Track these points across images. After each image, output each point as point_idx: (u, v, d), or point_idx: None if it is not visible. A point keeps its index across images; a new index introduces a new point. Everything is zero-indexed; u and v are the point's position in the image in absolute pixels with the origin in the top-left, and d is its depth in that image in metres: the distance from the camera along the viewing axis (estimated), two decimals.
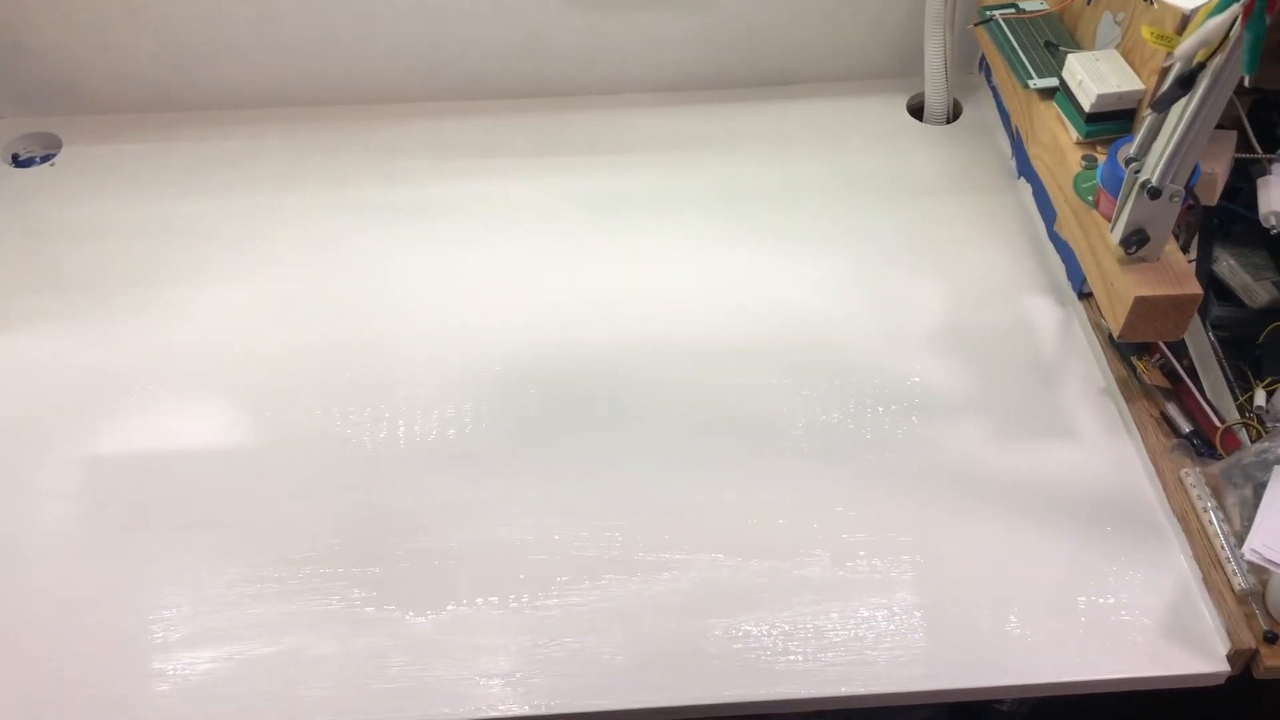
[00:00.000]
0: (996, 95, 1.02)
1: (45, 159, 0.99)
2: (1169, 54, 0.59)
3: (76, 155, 0.99)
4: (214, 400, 0.82)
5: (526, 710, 0.66)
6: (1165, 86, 0.59)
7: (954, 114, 1.03)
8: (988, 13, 0.88)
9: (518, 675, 0.66)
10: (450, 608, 0.69)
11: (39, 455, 0.78)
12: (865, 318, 0.87)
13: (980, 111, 1.03)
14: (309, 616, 0.69)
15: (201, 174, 0.98)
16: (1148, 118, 0.64)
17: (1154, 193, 0.65)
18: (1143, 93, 0.74)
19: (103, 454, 0.78)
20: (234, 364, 0.84)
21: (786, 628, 0.68)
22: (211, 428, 0.80)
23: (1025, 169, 0.95)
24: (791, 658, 0.67)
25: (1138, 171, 0.66)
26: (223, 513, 0.75)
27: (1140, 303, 0.68)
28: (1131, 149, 0.67)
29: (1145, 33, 0.69)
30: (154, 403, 0.81)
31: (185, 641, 0.68)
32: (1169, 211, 0.66)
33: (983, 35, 0.90)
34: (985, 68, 1.05)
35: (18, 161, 1.00)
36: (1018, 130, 0.89)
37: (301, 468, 0.77)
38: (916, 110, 1.03)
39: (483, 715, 0.65)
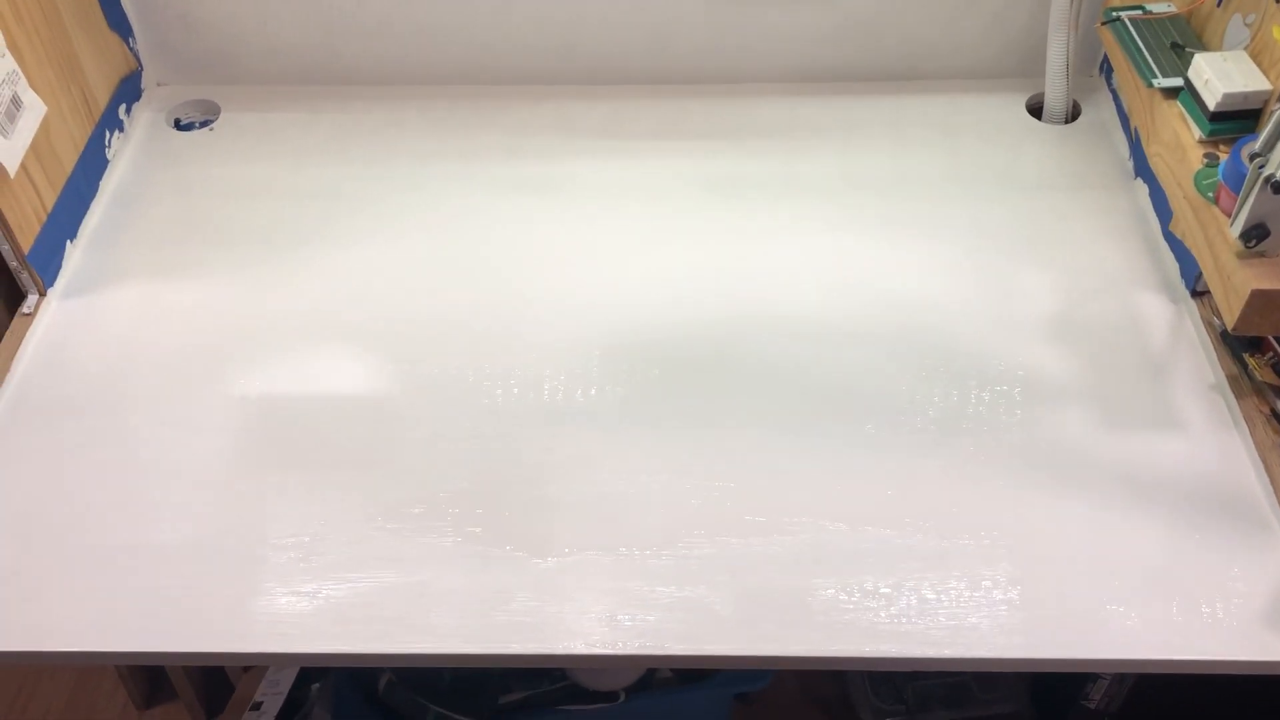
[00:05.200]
0: (1116, 98, 1.04)
1: (204, 124, 1.07)
2: None
3: (233, 122, 1.07)
4: (352, 351, 0.87)
5: (635, 650, 0.69)
6: None
7: (1073, 115, 1.04)
8: (1114, 13, 0.90)
9: (630, 617, 0.70)
10: (569, 552, 0.74)
11: (191, 391, 0.84)
12: (975, 304, 0.89)
13: (1099, 113, 1.05)
14: (441, 551, 0.74)
15: (345, 144, 1.04)
16: (1276, 113, 0.65)
17: (1277, 187, 0.66)
18: (1269, 93, 0.75)
19: (249, 394, 0.84)
20: (370, 318, 0.89)
21: (891, 592, 0.71)
22: (349, 376, 0.85)
23: (1143, 170, 0.96)
24: (895, 619, 0.70)
25: (1262, 166, 0.67)
26: (360, 455, 0.80)
27: (1257, 295, 0.70)
28: (1257, 144, 0.68)
29: (1276, 33, 0.70)
30: (297, 350, 0.87)
31: (326, 567, 0.73)
32: None
33: (1107, 35, 0.91)
34: (1106, 71, 1.07)
35: (179, 125, 1.07)
36: (1137, 131, 0.91)
37: (433, 418, 0.82)
38: (1035, 110, 1.05)
39: (595, 651, 0.69)
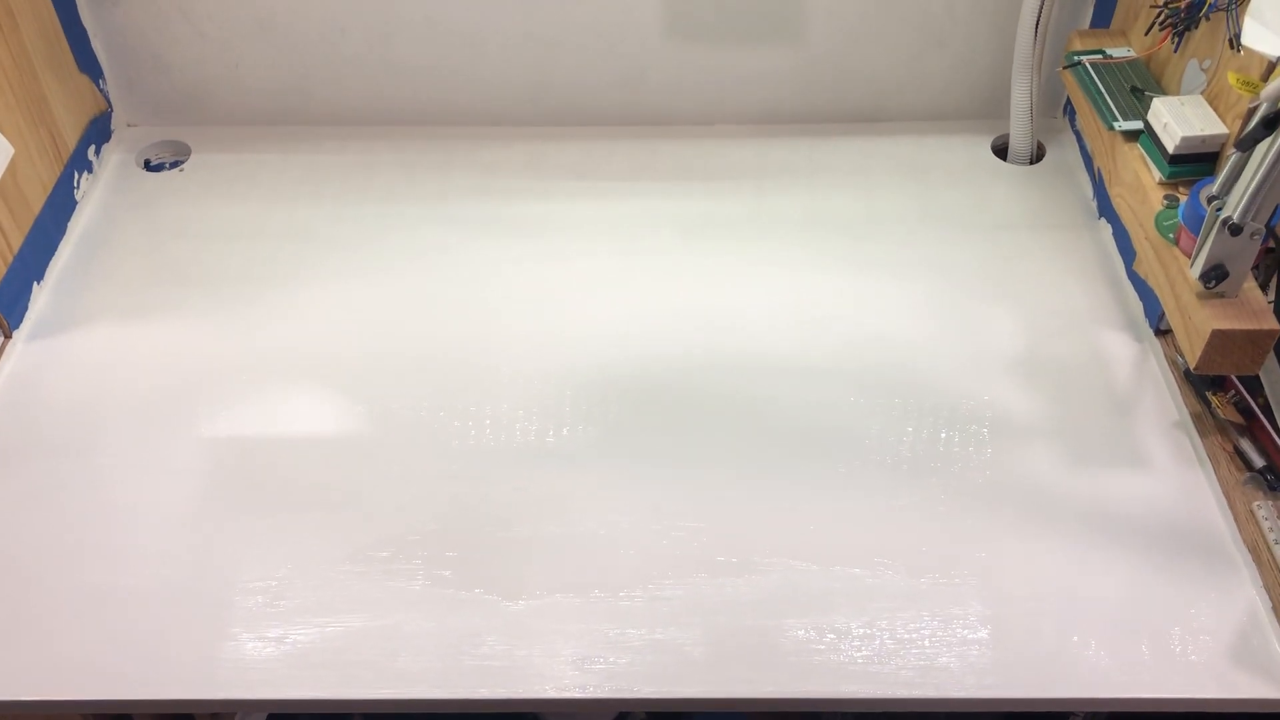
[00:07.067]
0: (1080, 139, 1.05)
1: (174, 165, 1.07)
2: (1255, 96, 0.62)
3: (203, 163, 1.07)
4: (322, 392, 0.87)
5: (606, 693, 0.69)
6: (1250, 126, 0.62)
7: (1037, 155, 1.06)
8: (1076, 58, 0.92)
9: (601, 660, 0.70)
10: (539, 594, 0.73)
11: (159, 434, 0.83)
12: (942, 343, 0.90)
13: (1063, 154, 1.06)
14: (409, 595, 0.73)
15: (316, 184, 1.05)
16: (1232, 157, 0.66)
17: (1235, 229, 0.67)
18: (1226, 137, 0.77)
19: (218, 437, 0.83)
20: (341, 360, 0.89)
21: (862, 631, 0.71)
22: (319, 417, 0.85)
23: (1106, 210, 0.97)
24: (866, 660, 0.70)
25: (1219, 209, 0.68)
26: (330, 496, 0.79)
27: (1217, 336, 0.71)
28: (1214, 187, 0.69)
29: (1231, 78, 0.72)
30: (267, 392, 0.87)
31: (292, 611, 0.73)
32: (1249, 249, 0.69)
33: (1069, 79, 0.93)
34: (1069, 112, 1.09)
35: (149, 166, 1.07)
36: (1100, 172, 0.92)
37: (403, 459, 0.82)
38: (1001, 151, 1.07)
39: (566, 695, 0.69)
